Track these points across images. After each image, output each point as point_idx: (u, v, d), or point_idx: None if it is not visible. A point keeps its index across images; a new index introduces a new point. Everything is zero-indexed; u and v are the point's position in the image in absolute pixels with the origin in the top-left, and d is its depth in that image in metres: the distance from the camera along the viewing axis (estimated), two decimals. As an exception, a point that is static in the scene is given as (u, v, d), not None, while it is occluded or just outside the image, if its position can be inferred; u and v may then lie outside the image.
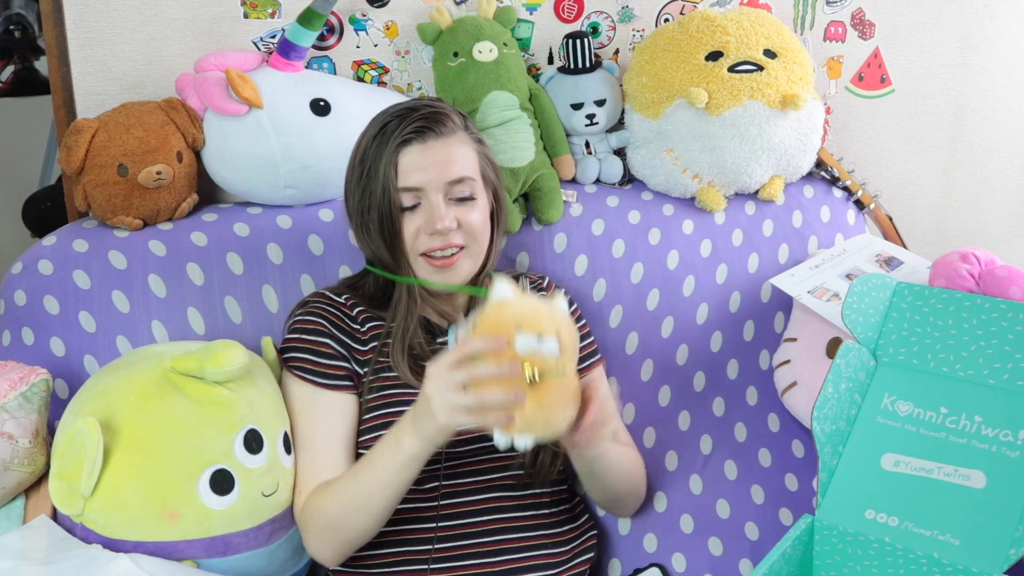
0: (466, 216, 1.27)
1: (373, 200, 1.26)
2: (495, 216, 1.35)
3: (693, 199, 1.63)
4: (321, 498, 1.19)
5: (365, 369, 1.28)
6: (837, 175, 1.74)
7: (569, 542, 1.32)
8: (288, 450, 1.24)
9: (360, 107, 1.50)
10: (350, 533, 1.17)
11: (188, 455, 1.14)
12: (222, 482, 1.15)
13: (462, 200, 1.28)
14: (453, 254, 1.27)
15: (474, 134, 1.33)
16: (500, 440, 1.04)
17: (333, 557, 1.21)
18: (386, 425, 1.21)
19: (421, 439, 1.08)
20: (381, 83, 1.60)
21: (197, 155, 1.47)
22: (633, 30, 1.70)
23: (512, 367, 1.00)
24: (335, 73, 1.58)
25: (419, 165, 1.25)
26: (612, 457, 1.27)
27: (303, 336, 1.28)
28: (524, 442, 1.04)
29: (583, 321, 1.46)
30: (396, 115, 1.27)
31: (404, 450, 1.10)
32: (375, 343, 1.29)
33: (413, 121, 1.26)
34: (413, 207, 1.26)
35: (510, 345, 1.00)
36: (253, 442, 1.18)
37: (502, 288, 1.05)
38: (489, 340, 1.01)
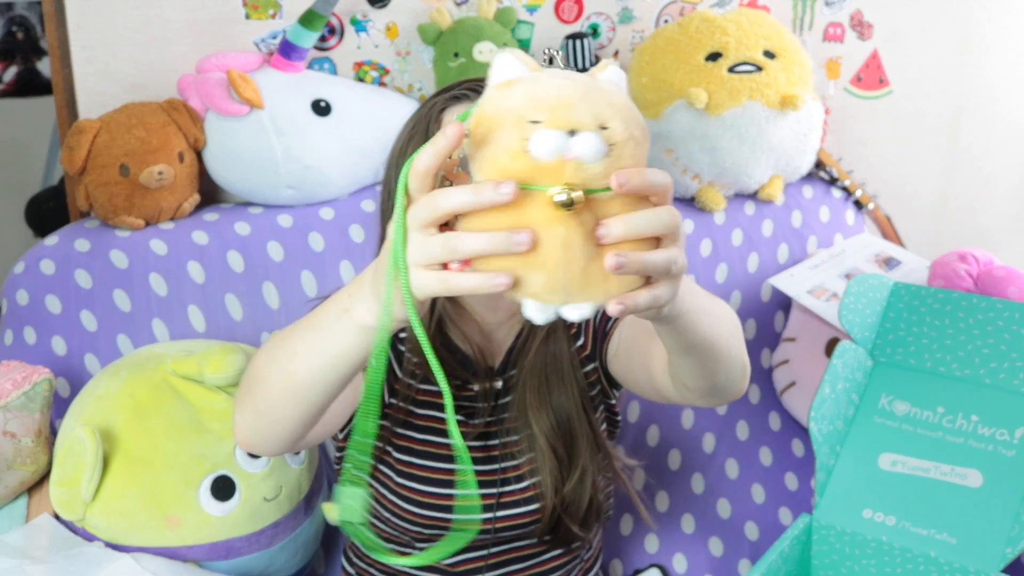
0: None
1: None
2: None
3: (693, 199, 1.63)
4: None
5: (391, 400, 1.10)
6: (836, 175, 1.75)
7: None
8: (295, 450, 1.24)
9: (361, 108, 1.51)
10: (263, 397, 0.83)
11: (188, 462, 1.14)
12: (223, 488, 1.15)
13: None
14: None
15: None
16: (534, 312, 0.63)
17: (244, 430, 0.88)
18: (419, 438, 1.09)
19: (380, 307, 0.68)
20: (382, 84, 1.61)
21: (199, 155, 1.47)
22: (633, 31, 1.70)
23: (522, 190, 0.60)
24: (336, 74, 1.58)
25: None
26: (706, 310, 0.81)
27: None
28: (577, 312, 0.63)
29: None
30: (450, 83, 1.06)
31: (353, 318, 0.72)
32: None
33: (468, 80, 1.04)
34: None
35: (523, 151, 0.60)
36: (255, 445, 1.18)
37: (506, 63, 0.65)
38: (486, 145, 0.62)
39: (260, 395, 0.83)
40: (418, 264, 0.63)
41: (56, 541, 1.13)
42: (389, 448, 1.10)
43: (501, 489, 1.09)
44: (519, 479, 1.09)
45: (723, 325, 0.85)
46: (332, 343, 0.74)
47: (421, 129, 1.02)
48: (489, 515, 1.09)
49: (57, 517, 1.17)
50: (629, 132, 0.62)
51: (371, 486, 1.11)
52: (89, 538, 1.15)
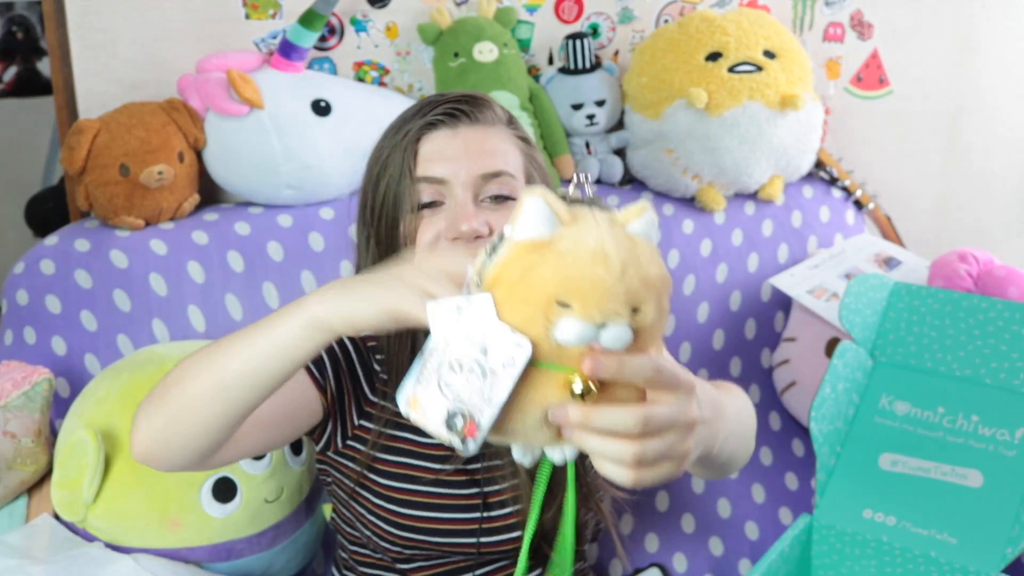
0: (502, 222, 0.83)
1: (387, 199, 0.99)
2: None
3: (693, 199, 1.63)
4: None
5: (361, 422, 1.06)
6: (836, 175, 1.75)
7: None
8: (296, 451, 1.24)
9: (361, 108, 1.51)
10: (181, 397, 0.80)
11: (190, 464, 1.14)
12: (224, 490, 1.15)
13: (498, 200, 0.98)
14: None
15: (520, 132, 1.05)
16: (519, 455, 0.66)
17: (145, 440, 0.83)
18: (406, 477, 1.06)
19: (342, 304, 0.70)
20: (382, 84, 1.61)
21: (198, 155, 1.47)
22: (633, 31, 1.70)
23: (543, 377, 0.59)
24: (336, 74, 1.58)
25: (444, 153, 0.98)
26: (728, 432, 0.80)
27: None
28: (562, 455, 0.65)
29: None
30: (425, 99, 1.04)
31: (306, 310, 0.72)
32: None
33: (444, 103, 1.00)
34: (432, 204, 0.98)
35: (547, 332, 0.57)
36: (257, 447, 1.18)
37: (534, 208, 0.59)
38: (510, 308, 0.59)
39: (178, 396, 0.80)
40: (413, 282, 0.66)
41: (56, 541, 1.13)
42: (368, 472, 1.07)
43: (484, 514, 1.07)
44: (502, 504, 1.07)
45: (744, 438, 0.87)
46: (276, 335, 0.73)
47: (397, 160, 0.99)
48: (472, 540, 1.07)
49: (57, 517, 1.17)
50: (660, 311, 0.59)
51: (352, 507, 1.10)
52: (89, 539, 1.15)
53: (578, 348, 0.57)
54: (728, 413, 0.79)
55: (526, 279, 0.57)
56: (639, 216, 0.59)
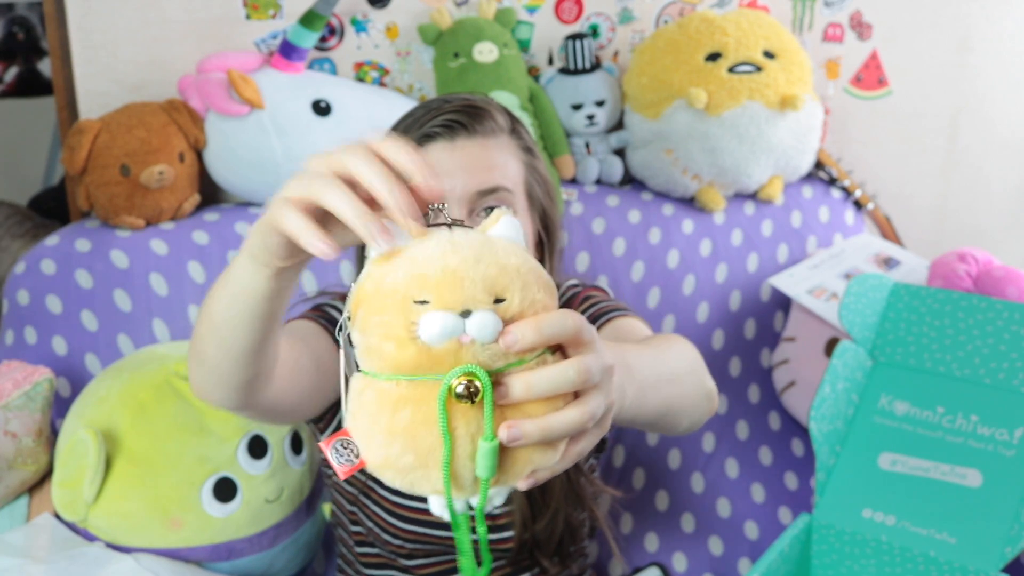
0: None
1: None
2: (543, 247, 1.07)
3: (693, 199, 1.63)
4: None
5: None
6: (836, 175, 1.75)
7: None
8: (296, 450, 1.24)
9: (361, 108, 1.51)
10: (195, 341, 0.82)
11: (190, 464, 1.15)
12: (225, 490, 1.16)
13: None
14: None
15: (523, 140, 1.03)
16: (440, 510, 0.61)
17: (192, 379, 0.86)
18: None
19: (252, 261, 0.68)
20: (382, 84, 1.61)
21: (199, 155, 1.48)
22: (633, 31, 1.70)
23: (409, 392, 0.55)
24: (336, 74, 1.59)
25: (441, 168, 0.96)
26: (658, 392, 0.77)
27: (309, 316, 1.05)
28: (494, 500, 0.60)
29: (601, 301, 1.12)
30: (425, 105, 1.02)
31: (244, 251, 0.70)
32: None
33: (443, 113, 0.98)
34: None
35: (411, 337, 0.55)
36: (257, 447, 1.18)
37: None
38: (369, 332, 0.56)
39: (194, 339, 0.81)
40: (290, 195, 0.63)
41: (57, 541, 1.13)
42: None
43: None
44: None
45: (675, 383, 0.80)
46: (235, 277, 0.71)
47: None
48: (474, 536, 1.07)
49: (58, 517, 1.17)
50: (529, 299, 0.56)
51: (359, 501, 1.10)
52: (90, 538, 1.15)
53: (449, 349, 0.54)
54: (639, 363, 0.74)
55: (380, 289, 0.56)
56: (496, 222, 0.59)
